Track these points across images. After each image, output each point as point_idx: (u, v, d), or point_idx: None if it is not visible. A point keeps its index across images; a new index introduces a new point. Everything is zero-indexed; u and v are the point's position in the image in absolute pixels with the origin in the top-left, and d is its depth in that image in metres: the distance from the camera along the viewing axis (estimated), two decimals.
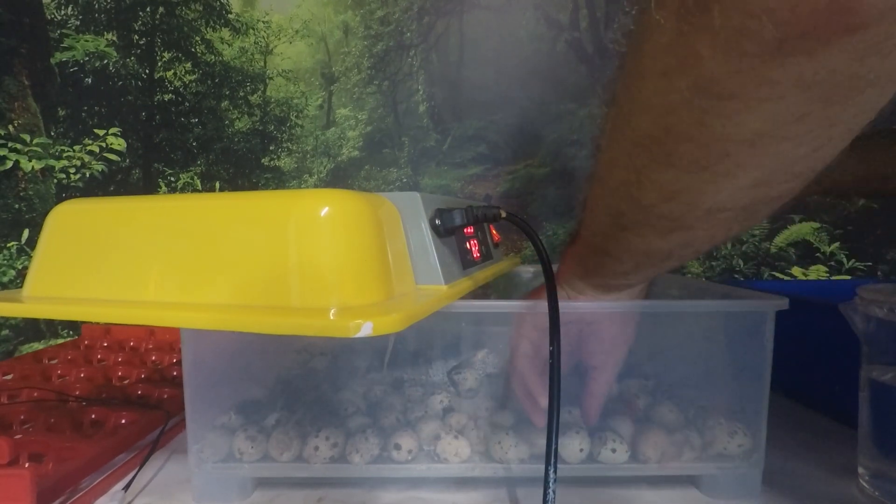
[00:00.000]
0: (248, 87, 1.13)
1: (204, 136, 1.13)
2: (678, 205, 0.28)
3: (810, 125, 0.21)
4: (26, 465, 0.45)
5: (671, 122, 0.24)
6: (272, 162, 1.14)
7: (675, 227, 0.30)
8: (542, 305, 0.40)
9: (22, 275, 1.09)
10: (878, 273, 1.10)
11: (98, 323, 0.86)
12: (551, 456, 0.35)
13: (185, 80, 1.12)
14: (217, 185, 1.14)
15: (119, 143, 1.11)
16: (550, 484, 0.35)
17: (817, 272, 1.11)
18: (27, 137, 1.09)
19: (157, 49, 1.11)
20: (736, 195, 0.26)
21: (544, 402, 0.43)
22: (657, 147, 0.26)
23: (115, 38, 1.11)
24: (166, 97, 1.12)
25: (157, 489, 0.45)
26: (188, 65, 1.12)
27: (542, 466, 0.35)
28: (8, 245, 1.10)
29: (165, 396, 0.61)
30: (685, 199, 0.27)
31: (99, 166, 1.11)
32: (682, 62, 0.21)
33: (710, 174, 0.25)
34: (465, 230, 0.43)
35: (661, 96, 0.23)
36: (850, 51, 0.17)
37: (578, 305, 0.42)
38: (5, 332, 1.10)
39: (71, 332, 1.11)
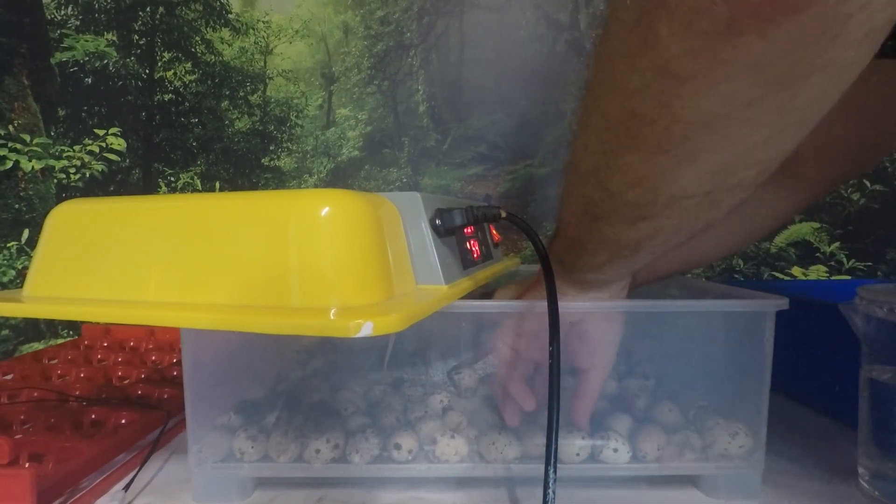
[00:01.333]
0: (248, 87, 1.13)
1: (204, 136, 1.13)
2: (644, 191, 0.29)
3: (762, 109, 0.22)
4: (26, 465, 0.45)
5: (635, 105, 0.25)
6: (272, 162, 1.14)
7: (642, 216, 0.31)
8: (534, 305, 0.40)
9: (22, 275, 1.09)
10: (878, 273, 1.10)
11: (98, 323, 0.86)
12: (551, 456, 0.35)
13: (185, 80, 1.12)
14: (217, 185, 1.14)
15: (119, 143, 1.11)
16: (550, 484, 0.35)
17: (817, 272, 1.11)
18: (27, 137, 1.09)
19: (157, 49, 1.11)
20: (697, 181, 0.27)
21: (528, 405, 0.43)
22: (623, 130, 0.26)
23: (115, 38, 1.11)
24: (166, 97, 1.12)
25: (157, 489, 0.45)
26: (188, 65, 1.12)
27: (542, 466, 0.35)
28: (8, 245, 1.10)
29: (165, 396, 0.61)
30: (650, 185, 0.28)
31: (99, 166, 1.11)
32: (643, 42, 0.22)
33: (672, 158, 0.26)
34: (465, 230, 0.43)
35: (626, 78, 0.24)
36: (797, 31, 0.18)
37: (575, 305, 0.42)
38: (5, 332, 1.10)
39: (71, 332, 1.11)
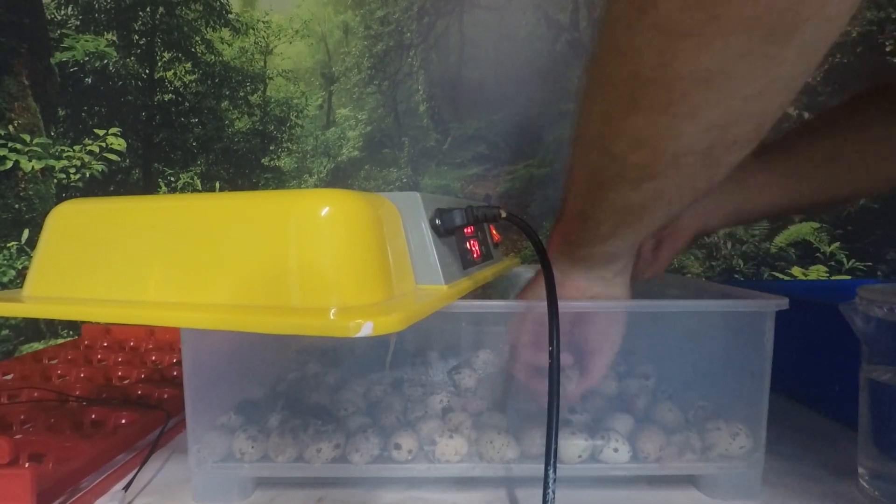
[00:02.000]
0: (248, 87, 1.13)
1: (204, 136, 1.13)
2: (646, 152, 0.31)
3: (754, 63, 0.24)
4: (26, 465, 0.45)
5: (637, 65, 0.26)
6: (272, 162, 1.14)
7: (645, 177, 0.32)
8: (539, 305, 0.40)
9: (22, 275, 1.09)
10: (878, 273, 1.10)
11: (98, 323, 0.86)
12: (551, 456, 0.35)
13: (185, 80, 1.12)
14: (217, 185, 1.14)
15: (119, 143, 1.11)
16: (550, 484, 0.35)
17: (817, 272, 1.11)
18: (27, 137, 1.09)
19: (157, 49, 1.12)
20: (696, 138, 0.29)
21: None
22: (626, 92, 0.28)
23: (115, 38, 1.11)
24: (166, 97, 1.12)
25: (157, 489, 0.45)
26: (188, 65, 1.12)
27: (542, 466, 0.35)
28: (8, 245, 1.10)
29: (165, 396, 0.61)
30: (652, 146, 0.30)
31: (99, 166, 1.11)
32: (644, 3, 0.24)
33: (672, 116, 0.28)
34: (465, 230, 0.43)
35: (629, 40, 0.26)
36: None
37: (575, 305, 0.42)
38: (5, 332, 1.10)
39: (71, 332, 1.11)
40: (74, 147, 1.11)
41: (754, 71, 0.25)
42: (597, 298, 0.43)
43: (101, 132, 1.11)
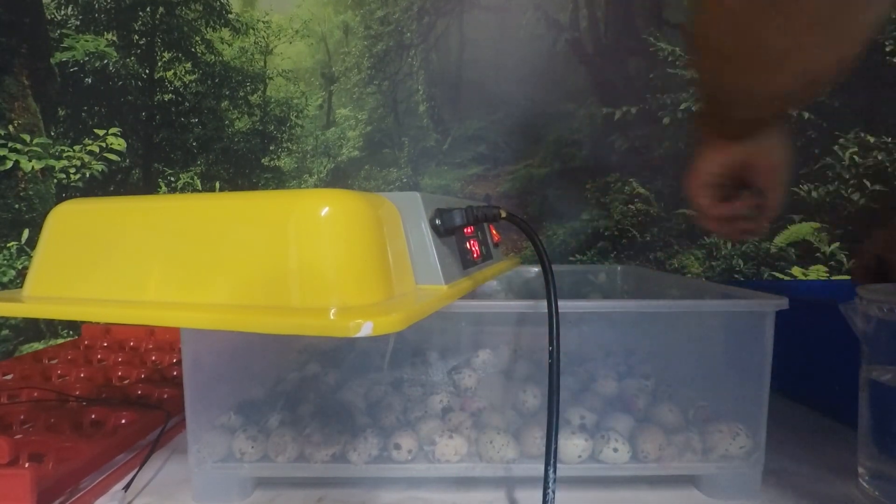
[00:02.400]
0: (248, 87, 1.13)
1: (204, 136, 1.13)
2: (746, 94, 0.43)
3: (826, 31, 0.33)
4: (26, 465, 0.45)
5: (719, 47, 0.39)
6: (272, 162, 1.14)
7: (751, 105, 0.45)
8: (536, 305, 0.40)
9: (22, 275, 1.09)
10: None
11: (98, 323, 0.86)
12: (551, 456, 0.35)
13: (185, 80, 1.12)
14: (217, 185, 1.14)
15: (119, 143, 1.11)
16: (550, 484, 0.35)
17: (817, 272, 1.11)
18: (27, 137, 1.09)
19: (157, 49, 1.12)
20: (783, 84, 0.39)
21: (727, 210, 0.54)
22: (716, 61, 0.41)
23: (115, 38, 1.11)
24: (166, 97, 1.12)
25: (157, 489, 0.45)
26: (188, 65, 1.12)
27: (542, 466, 0.35)
28: (8, 245, 1.10)
29: (165, 396, 0.61)
30: (748, 92, 0.43)
31: (99, 166, 1.11)
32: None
33: (757, 75, 0.39)
34: (465, 230, 0.43)
35: (711, 27, 0.39)
36: None
37: (575, 305, 0.43)
38: (5, 332, 1.10)
39: (71, 332, 1.11)
40: (74, 147, 1.11)
41: (825, 35, 0.32)
42: (753, 156, 0.51)
43: (101, 132, 1.11)
